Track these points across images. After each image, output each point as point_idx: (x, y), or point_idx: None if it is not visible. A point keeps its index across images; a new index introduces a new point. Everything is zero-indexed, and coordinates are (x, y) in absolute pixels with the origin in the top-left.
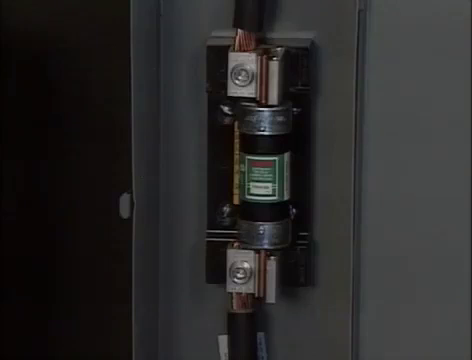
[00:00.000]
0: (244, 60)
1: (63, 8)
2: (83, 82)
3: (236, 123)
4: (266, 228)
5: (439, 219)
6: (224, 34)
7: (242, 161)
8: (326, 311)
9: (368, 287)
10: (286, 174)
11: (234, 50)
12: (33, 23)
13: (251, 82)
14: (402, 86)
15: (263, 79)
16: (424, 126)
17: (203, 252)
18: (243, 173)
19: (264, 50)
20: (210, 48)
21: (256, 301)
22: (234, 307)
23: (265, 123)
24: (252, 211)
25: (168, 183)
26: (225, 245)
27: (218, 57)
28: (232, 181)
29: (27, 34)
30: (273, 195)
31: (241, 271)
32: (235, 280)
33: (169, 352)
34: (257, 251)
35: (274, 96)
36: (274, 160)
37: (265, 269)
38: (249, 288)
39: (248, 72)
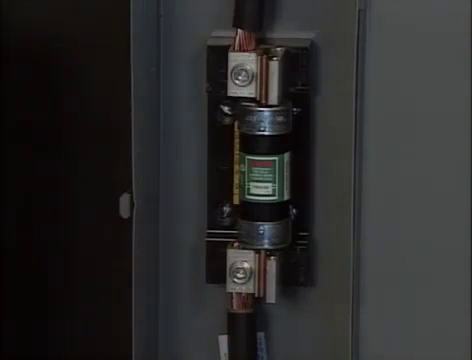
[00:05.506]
0: (244, 60)
1: (63, 8)
2: (83, 82)
3: (236, 123)
4: (266, 228)
5: (439, 219)
6: (224, 34)
7: (242, 161)
8: (326, 311)
9: (368, 287)
10: (286, 174)
11: (234, 50)
12: (33, 23)
13: (251, 82)
14: (402, 86)
15: (263, 79)
16: (424, 126)
17: (203, 252)
18: (243, 173)
19: (264, 50)
20: (210, 48)
21: (256, 301)
22: (234, 307)
23: (265, 123)
24: (252, 211)
25: (168, 183)
26: (225, 245)
27: (218, 57)
28: (232, 181)
29: (27, 34)
30: (273, 195)
31: (241, 271)
32: (235, 280)
33: (169, 352)
34: (257, 251)
35: (274, 96)
36: (274, 160)
37: (265, 269)
38: (249, 288)
39: (248, 72)
